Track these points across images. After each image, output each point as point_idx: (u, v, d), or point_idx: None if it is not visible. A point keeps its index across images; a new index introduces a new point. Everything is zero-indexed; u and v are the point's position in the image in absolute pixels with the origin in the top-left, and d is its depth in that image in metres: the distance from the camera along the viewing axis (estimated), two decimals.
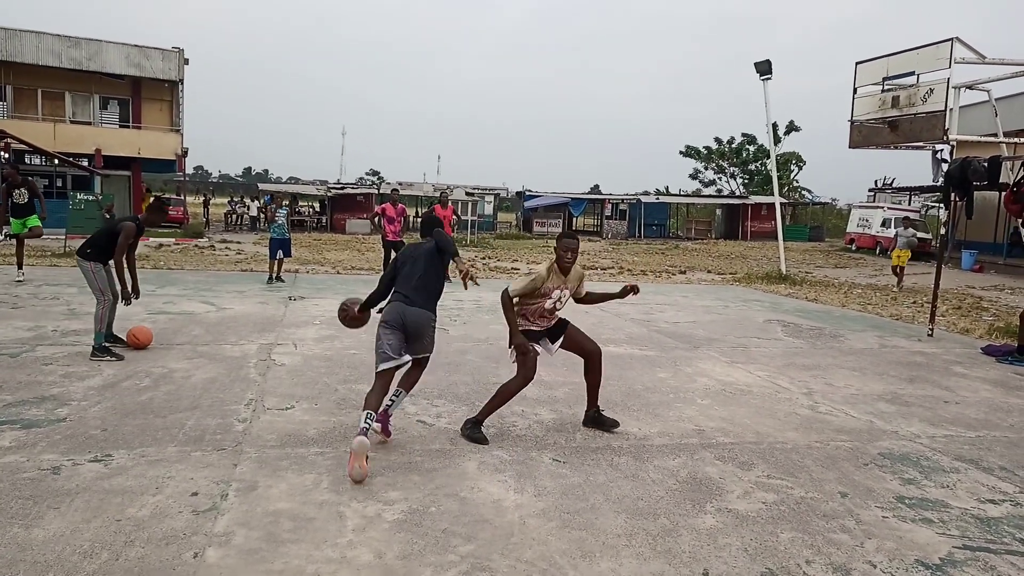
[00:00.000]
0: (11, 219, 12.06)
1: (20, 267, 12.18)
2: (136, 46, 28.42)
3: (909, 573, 3.39)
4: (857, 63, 11.14)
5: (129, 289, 7.03)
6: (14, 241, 12.21)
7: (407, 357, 4.77)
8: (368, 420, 4.38)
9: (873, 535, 3.78)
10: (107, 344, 6.91)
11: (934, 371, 8.04)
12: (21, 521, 3.47)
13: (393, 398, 4.85)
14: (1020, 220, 10.79)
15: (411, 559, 3.31)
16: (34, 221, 12.25)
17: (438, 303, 4.91)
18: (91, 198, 24.20)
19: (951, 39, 9.21)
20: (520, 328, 5.02)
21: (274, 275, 13.47)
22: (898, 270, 17.88)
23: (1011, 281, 20.51)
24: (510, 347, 5.04)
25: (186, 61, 29.36)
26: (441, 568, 3.25)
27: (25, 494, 3.77)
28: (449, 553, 3.38)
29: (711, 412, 5.97)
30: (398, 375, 4.84)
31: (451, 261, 4.92)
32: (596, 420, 5.40)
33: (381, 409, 4.67)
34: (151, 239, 23.18)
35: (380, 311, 4.92)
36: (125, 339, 7.25)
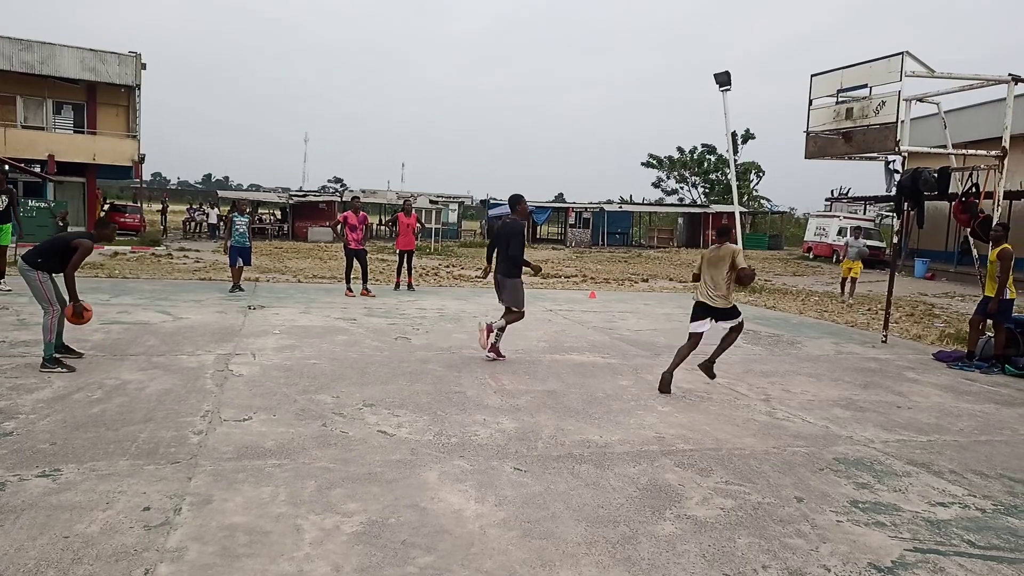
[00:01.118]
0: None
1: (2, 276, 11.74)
2: (92, 50, 27.84)
3: None
4: (812, 75, 11.36)
5: (78, 301, 6.82)
6: None
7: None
8: (493, 326, 7.98)
9: (828, 539, 3.84)
10: (57, 355, 6.73)
11: (888, 377, 8.23)
12: None
13: (498, 332, 8.03)
14: (969, 229, 11.10)
15: (369, 571, 3.27)
16: (7, 238, 11.92)
17: (520, 270, 8.03)
18: (43, 205, 23.57)
19: (902, 53, 9.45)
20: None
21: (236, 283, 13.29)
22: (848, 281, 16.78)
23: (961, 288, 21.11)
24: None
25: (143, 65, 28.85)
26: None
27: None
28: (408, 565, 3.35)
29: (671, 419, 6.02)
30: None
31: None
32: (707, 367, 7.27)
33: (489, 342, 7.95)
34: (106, 247, 22.67)
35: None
36: (76, 350, 7.07)
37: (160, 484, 4.11)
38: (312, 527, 3.68)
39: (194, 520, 3.69)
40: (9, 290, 11.32)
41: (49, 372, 6.45)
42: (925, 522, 4.13)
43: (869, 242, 32.06)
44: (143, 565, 3.21)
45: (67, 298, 6.77)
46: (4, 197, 11.60)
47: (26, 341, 7.73)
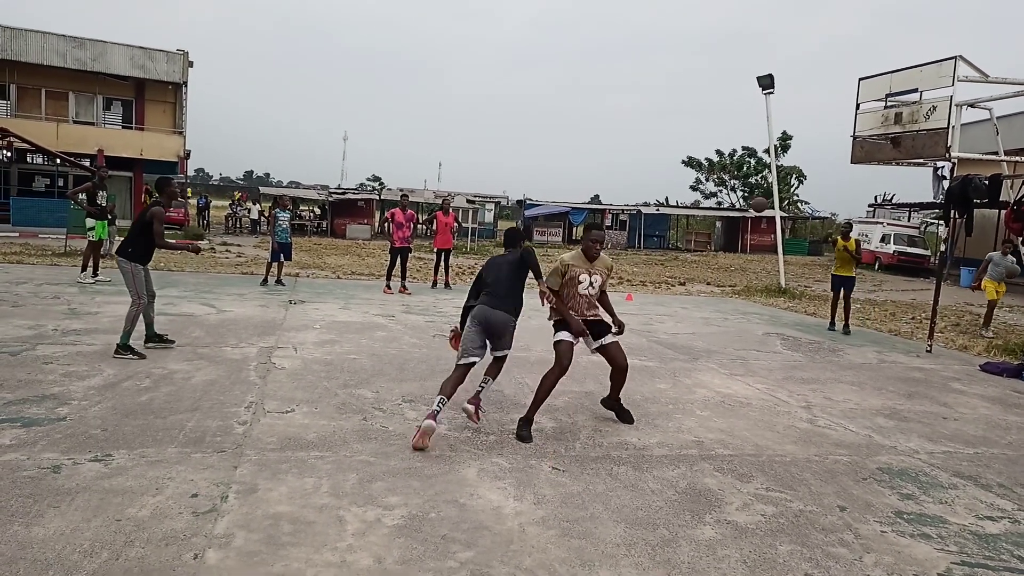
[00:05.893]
0: (95, 221, 12.50)
1: (97, 271, 12.38)
2: (141, 48, 28.50)
3: None
4: (860, 79, 11.16)
5: (191, 244, 7.39)
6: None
7: (475, 358, 5.35)
8: (440, 404, 4.98)
9: (872, 549, 3.78)
10: (150, 345, 7.23)
11: (933, 387, 8.05)
12: (21, 519, 3.47)
13: (482, 384, 5.54)
14: (1020, 238, 10.82)
15: (411, 564, 3.31)
16: (103, 231, 12.78)
17: (520, 308, 5.63)
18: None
19: (954, 57, 9.25)
20: (569, 317, 5.48)
21: (269, 278, 13.56)
22: (987, 306, 13.38)
23: (1010, 299, 20.50)
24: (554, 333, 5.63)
25: (190, 63, 29.45)
26: (441, 573, 3.25)
27: (25, 492, 3.77)
28: (449, 559, 3.38)
29: (710, 424, 5.97)
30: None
31: (537, 279, 5.62)
32: (614, 407, 5.90)
33: (474, 392, 5.48)
34: None
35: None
36: (168, 339, 7.45)
37: (207, 472, 4.21)
38: (354, 519, 3.74)
39: (240, 508, 3.77)
40: (108, 280, 12.00)
41: (121, 357, 6.75)
42: (973, 536, 4.05)
43: (912, 249, 31.46)
44: (192, 550, 3.30)
45: (155, 291, 7.32)
46: (103, 194, 12.50)
47: (77, 330, 7.96)
